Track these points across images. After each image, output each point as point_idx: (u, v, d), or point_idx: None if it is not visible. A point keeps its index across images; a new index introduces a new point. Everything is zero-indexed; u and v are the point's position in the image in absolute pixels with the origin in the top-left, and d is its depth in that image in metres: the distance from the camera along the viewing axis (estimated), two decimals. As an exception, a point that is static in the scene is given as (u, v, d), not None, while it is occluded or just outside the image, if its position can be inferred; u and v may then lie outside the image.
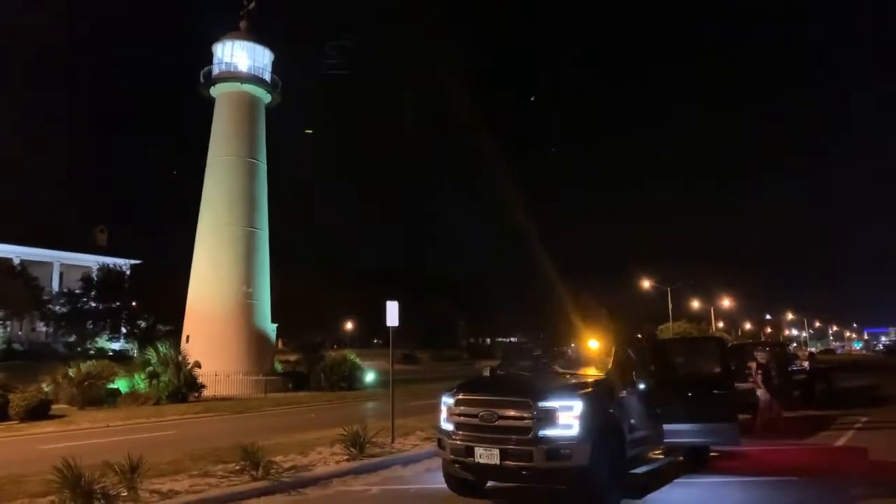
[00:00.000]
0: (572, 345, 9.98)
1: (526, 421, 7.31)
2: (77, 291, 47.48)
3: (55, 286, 51.82)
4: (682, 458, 10.06)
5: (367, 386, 32.05)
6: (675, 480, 9.16)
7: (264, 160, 33.38)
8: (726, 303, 70.10)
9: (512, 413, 7.47)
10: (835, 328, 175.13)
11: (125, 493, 7.84)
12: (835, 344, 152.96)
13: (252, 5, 33.38)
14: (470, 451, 7.51)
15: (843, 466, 10.42)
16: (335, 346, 56.59)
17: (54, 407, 19.93)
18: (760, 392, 14.58)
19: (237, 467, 9.37)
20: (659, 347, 11.17)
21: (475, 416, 7.67)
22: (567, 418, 7.23)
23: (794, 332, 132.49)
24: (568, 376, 8.56)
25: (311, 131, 33.99)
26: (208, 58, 33.37)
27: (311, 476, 9.33)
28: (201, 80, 33.12)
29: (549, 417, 7.25)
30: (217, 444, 12.07)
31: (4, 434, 15.92)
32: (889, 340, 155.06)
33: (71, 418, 18.79)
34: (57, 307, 47.03)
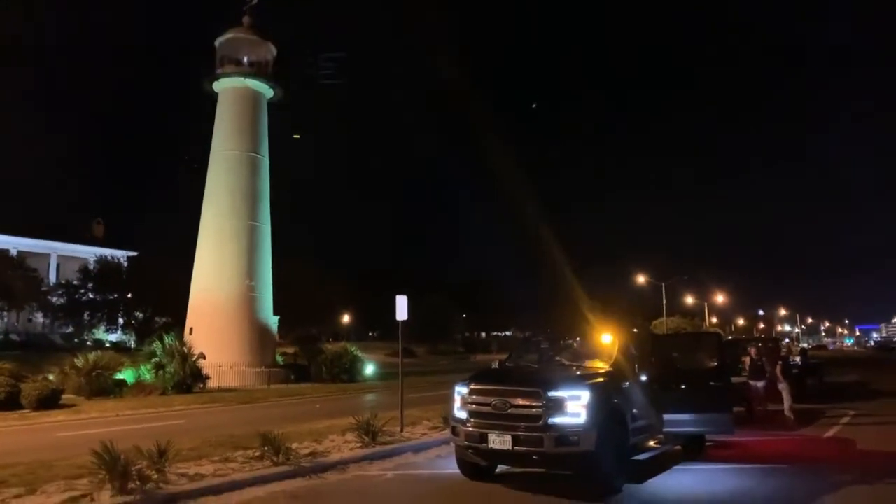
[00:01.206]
0: (577, 338, 10.47)
1: (536, 409, 7.78)
2: (75, 283, 47.66)
3: (52, 277, 52.00)
4: (680, 446, 10.56)
5: (367, 378, 32.52)
6: (674, 467, 9.67)
7: (266, 155, 33.72)
8: (720, 298, 70.80)
9: (523, 402, 7.94)
10: (827, 324, 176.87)
11: (155, 476, 8.27)
12: (827, 340, 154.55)
13: (255, 1, 33.66)
14: (483, 438, 7.98)
15: (831, 455, 10.96)
16: (331, 339, 56.98)
17: (62, 397, 20.27)
18: (782, 386, 15.24)
19: (257, 453, 9.80)
20: (659, 342, 11.64)
21: (488, 404, 8.14)
22: (575, 407, 7.70)
23: (787, 327, 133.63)
24: (575, 368, 9.05)
25: (298, 136, 34.37)
26: (211, 52, 33.66)
27: (329, 461, 9.79)
28: (204, 74, 33.41)
29: (558, 406, 7.72)
30: (230, 433, 12.50)
31: (19, 422, 16.30)
32: (880, 337, 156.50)
33: (80, 408, 19.17)
34: (54, 298, 47.23)
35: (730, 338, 33.68)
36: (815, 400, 18.59)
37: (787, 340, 79.83)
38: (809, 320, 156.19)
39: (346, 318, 69.45)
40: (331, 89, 34.53)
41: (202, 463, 9.51)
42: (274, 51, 34.33)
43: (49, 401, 18.66)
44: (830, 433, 13.25)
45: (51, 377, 21.97)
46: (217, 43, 33.62)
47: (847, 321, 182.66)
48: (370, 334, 77.28)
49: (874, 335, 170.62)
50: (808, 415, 15.66)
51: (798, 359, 22.71)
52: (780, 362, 15.84)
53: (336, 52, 35.07)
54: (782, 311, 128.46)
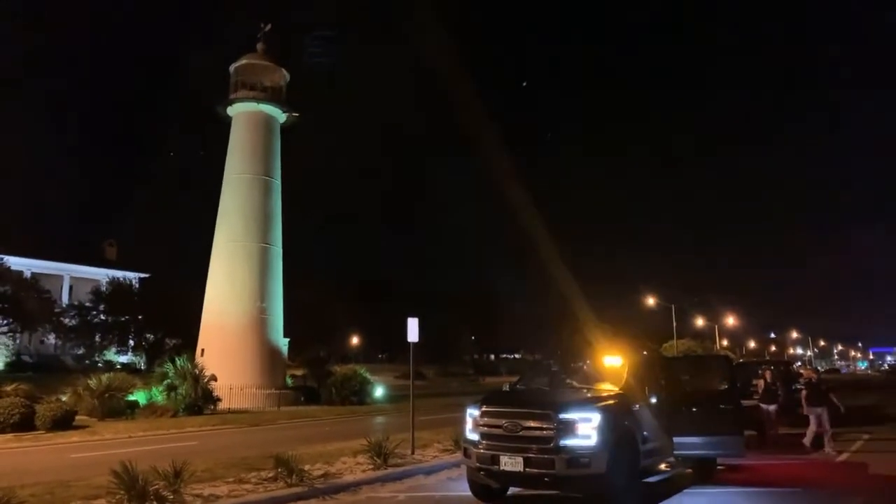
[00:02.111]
0: (588, 361, 10.57)
1: (548, 431, 7.88)
2: (87, 304, 48.04)
3: (65, 299, 52.47)
4: (690, 469, 10.59)
5: (376, 400, 32.51)
6: (685, 490, 9.68)
7: (279, 178, 34.15)
8: (731, 321, 70.34)
9: (535, 424, 8.04)
10: (840, 347, 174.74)
11: (171, 497, 8.39)
12: (839, 363, 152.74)
13: (268, 27, 34.39)
14: (495, 459, 8.07)
15: (844, 480, 10.94)
16: (339, 362, 56.96)
17: (76, 418, 20.41)
18: (812, 410, 14.17)
19: (271, 475, 9.93)
20: (669, 364, 11.71)
21: (500, 426, 8.25)
22: (586, 429, 7.80)
23: (799, 350, 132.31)
24: (585, 391, 9.15)
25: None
26: (226, 78, 34.34)
27: (342, 483, 9.89)
28: (219, 99, 34.05)
29: (569, 428, 7.82)
30: (243, 454, 12.63)
31: (34, 443, 16.47)
32: (894, 360, 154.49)
33: (94, 429, 19.31)
34: (67, 320, 47.58)
35: (740, 361, 33.53)
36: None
37: (798, 363, 79.11)
38: (822, 343, 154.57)
39: (354, 340, 69.46)
40: (321, 69, 34.91)
41: (217, 484, 9.62)
42: (287, 76, 34.96)
43: (63, 422, 18.80)
44: (843, 457, 13.19)
45: (64, 398, 22.15)
46: (232, 69, 34.30)
47: (860, 344, 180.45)
48: (379, 356, 77.12)
49: (889, 358, 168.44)
50: (821, 438, 15.53)
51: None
52: (802, 388, 15.24)
53: (325, 31, 35.46)
54: (794, 334, 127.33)
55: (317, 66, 34.38)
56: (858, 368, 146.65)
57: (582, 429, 7.80)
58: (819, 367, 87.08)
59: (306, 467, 10.33)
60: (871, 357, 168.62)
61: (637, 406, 8.91)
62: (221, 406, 25.89)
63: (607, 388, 9.13)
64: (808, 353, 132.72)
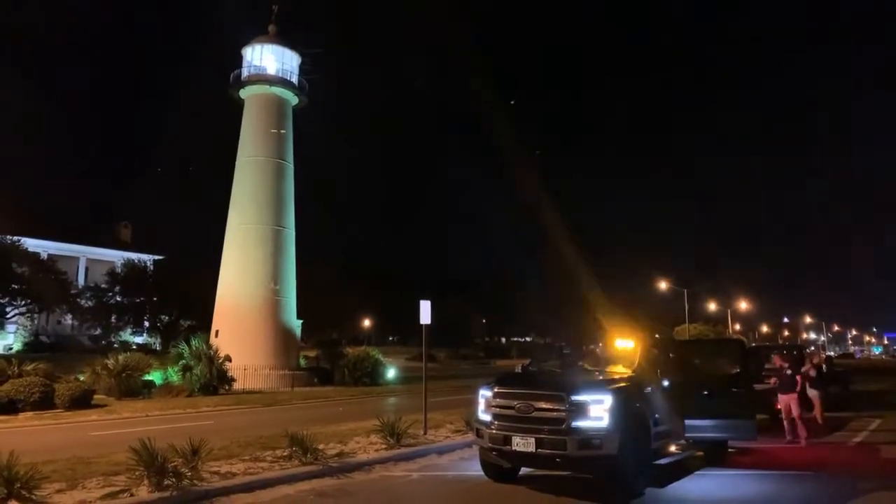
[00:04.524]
0: (600, 344, 10.60)
1: (560, 413, 7.94)
2: (103, 286, 48.67)
3: (81, 280, 53.15)
4: (701, 452, 10.63)
5: (388, 382, 32.76)
6: (696, 473, 9.74)
7: (291, 160, 34.21)
8: (743, 305, 70.00)
9: (547, 405, 8.10)
10: (854, 332, 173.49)
11: (189, 473, 8.55)
12: (854, 348, 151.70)
13: (276, 8, 34.26)
14: (507, 440, 8.15)
15: (855, 463, 10.94)
16: (351, 344, 57.37)
17: (93, 397, 20.74)
18: (813, 393, 14.49)
19: (285, 453, 10.08)
20: (682, 348, 11.71)
21: (512, 407, 8.32)
22: (598, 411, 7.85)
23: (813, 335, 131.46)
24: (597, 373, 9.20)
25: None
26: (238, 61, 34.30)
27: (356, 462, 10.05)
28: (231, 82, 34.02)
29: (581, 410, 7.87)
30: (258, 434, 12.80)
31: (53, 421, 16.78)
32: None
33: (111, 408, 19.64)
34: (83, 301, 48.22)
35: (753, 345, 33.46)
36: (841, 408, 18.40)
37: (811, 348, 78.71)
38: (836, 328, 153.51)
39: (366, 323, 69.89)
40: (309, 83, 35.09)
41: (233, 462, 9.79)
42: (299, 58, 34.84)
43: (81, 401, 19.15)
44: (855, 441, 13.19)
45: (82, 378, 22.52)
46: (244, 51, 34.24)
47: (875, 329, 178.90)
48: (390, 339, 77.63)
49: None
50: (833, 423, 15.52)
51: (823, 367, 22.42)
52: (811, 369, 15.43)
53: (315, 48, 35.66)
54: (808, 319, 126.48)
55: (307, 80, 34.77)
56: (873, 354, 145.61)
57: (594, 410, 7.85)
58: (832, 353, 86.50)
59: (321, 446, 10.46)
60: (886, 342, 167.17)
61: (649, 389, 8.94)
62: (236, 386, 26.19)
63: (619, 370, 9.16)
64: (822, 338, 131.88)
